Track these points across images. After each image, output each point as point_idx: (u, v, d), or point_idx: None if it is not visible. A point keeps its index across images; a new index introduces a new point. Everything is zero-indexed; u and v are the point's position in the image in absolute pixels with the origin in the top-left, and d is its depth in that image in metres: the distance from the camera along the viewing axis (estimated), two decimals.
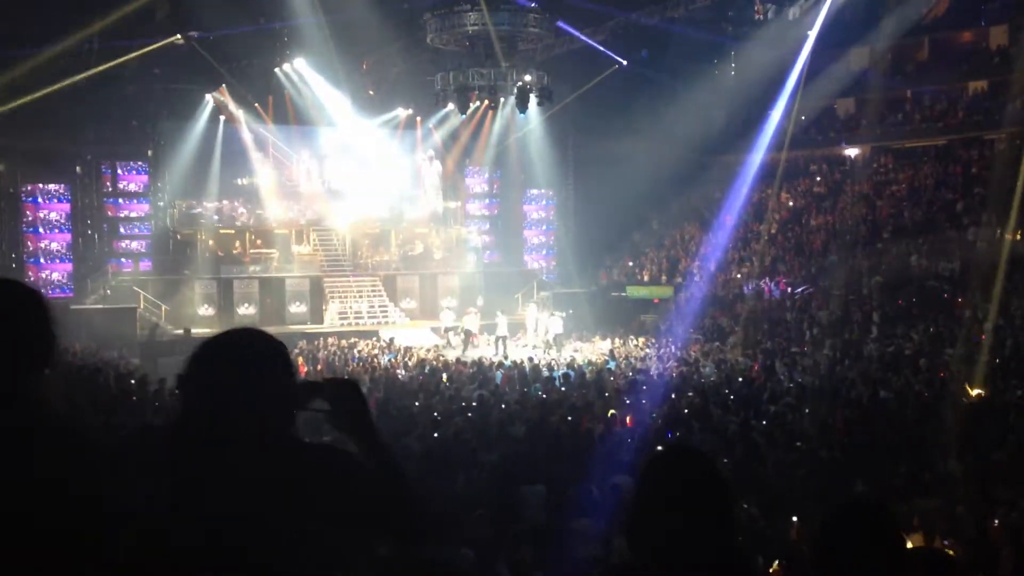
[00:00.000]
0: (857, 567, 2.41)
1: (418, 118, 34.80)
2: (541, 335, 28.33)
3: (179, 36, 27.87)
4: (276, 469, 2.25)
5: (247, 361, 2.33)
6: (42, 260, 30.86)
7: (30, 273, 29.98)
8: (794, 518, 7.87)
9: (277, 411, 2.31)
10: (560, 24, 30.28)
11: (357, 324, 29.77)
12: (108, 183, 32.32)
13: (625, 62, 33.06)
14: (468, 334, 27.82)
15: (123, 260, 32.27)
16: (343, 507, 2.31)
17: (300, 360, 22.90)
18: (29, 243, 30.81)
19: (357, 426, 2.40)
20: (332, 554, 2.37)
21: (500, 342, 26.80)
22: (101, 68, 27.60)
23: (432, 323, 30.81)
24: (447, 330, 29.19)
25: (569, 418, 13.13)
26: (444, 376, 19.15)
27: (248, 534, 2.20)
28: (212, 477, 2.22)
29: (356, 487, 2.32)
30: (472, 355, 24.79)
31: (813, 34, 33.79)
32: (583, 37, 31.21)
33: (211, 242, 31.40)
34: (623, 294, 34.39)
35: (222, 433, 2.25)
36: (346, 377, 3.18)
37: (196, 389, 2.31)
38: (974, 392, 15.74)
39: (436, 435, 11.72)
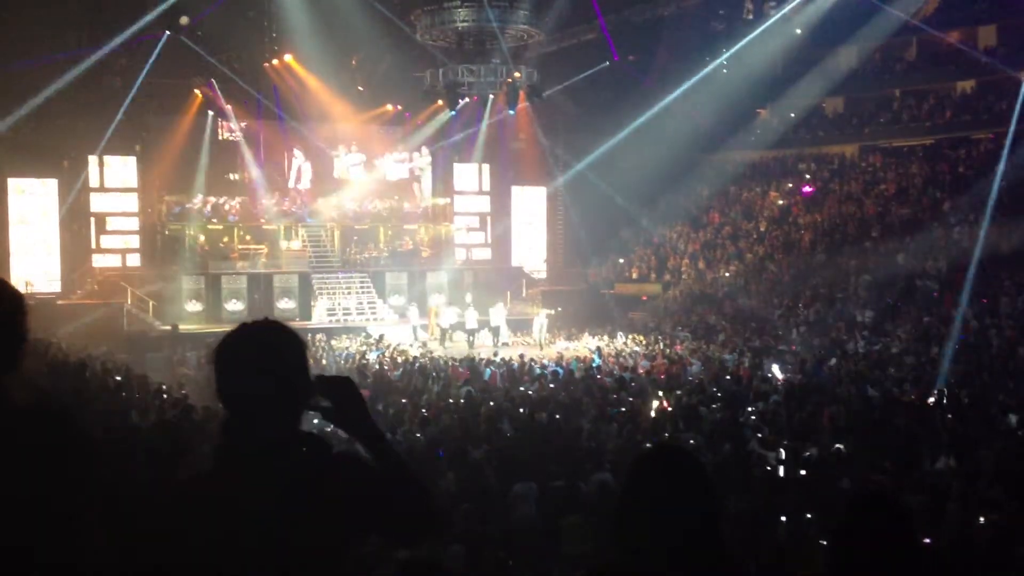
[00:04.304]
0: (873, 559, 2.45)
1: (407, 114, 34.73)
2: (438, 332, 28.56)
3: (168, 30, 27.75)
4: (293, 459, 2.30)
5: (278, 348, 2.36)
6: (28, 255, 30.64)
7: (15, 268, 29.80)
8: (782, 517, 7.88)
9: (296, 401, 2.35)
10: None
11: (346, 320, 29.72)
12: (96, 178, 32.08)
13: (617, 58, 33.07)
14: (444, 331, 28.11)
15: (110, 255, 32.05)
16: (358, 506, 2.33)
17: None
18: (15, 238, 30.58)
19: (358, 422, 2.41)
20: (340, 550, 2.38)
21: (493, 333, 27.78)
22: (90, 61, 27.49)
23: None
24: (419, 327, 29.03)
25: (557, 415, 13.15)
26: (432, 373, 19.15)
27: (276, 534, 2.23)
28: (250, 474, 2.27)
29: (368, 486, 2.35)
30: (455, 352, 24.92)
31: (802, 33, 33.95)
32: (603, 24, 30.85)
33: (200, 238, 31.27)
34: (612, 291, 34.49)
35: (252, 422, 2.31)
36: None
37: (227, 372, 2.34)
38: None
39: (418, 435, 11.71)
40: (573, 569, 7.19)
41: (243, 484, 2.26)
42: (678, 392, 15.88)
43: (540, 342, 27.78)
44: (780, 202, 36.39)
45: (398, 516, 2.37)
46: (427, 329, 29.12)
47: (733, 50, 37.19)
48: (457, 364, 20.94)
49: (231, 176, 32.78)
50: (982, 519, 7.61)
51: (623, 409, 14.12)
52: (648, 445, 10.22)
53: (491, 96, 30.98)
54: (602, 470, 9.57)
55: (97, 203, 31.66)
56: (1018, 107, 29.93)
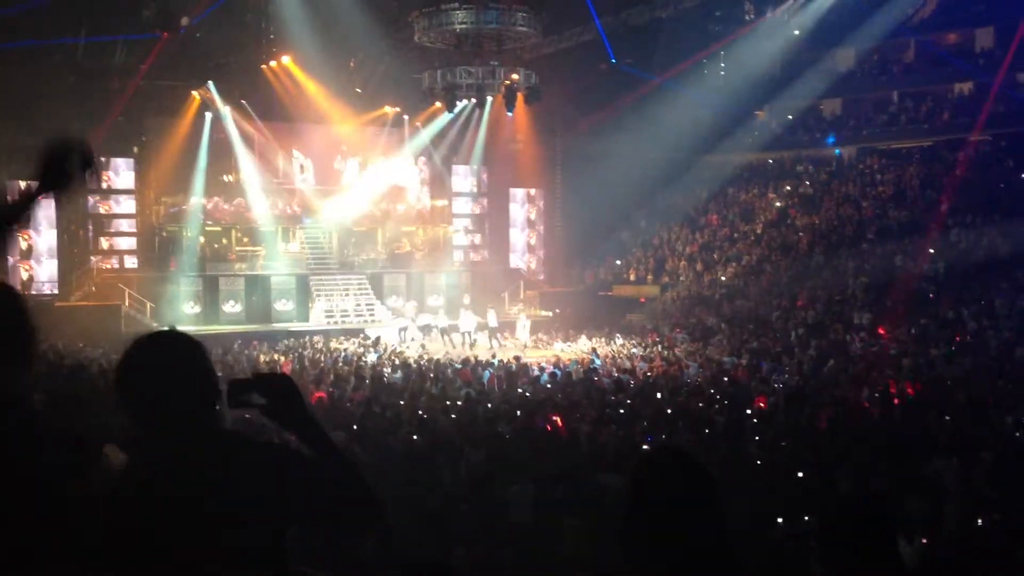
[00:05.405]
0: (855, 560, 2.47)
1: (405, 116, 34.73)
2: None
3: (165, 32, 27.70)
4: (208, 459, 2.37)
5: (167, 359, 2.53)
6: (28, 257, 30.59)
7: (20, 270, 29.78)
8: (779, 519, 7.88)
9: (197, 404, 2.45)
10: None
11: (343, 322, 29.70)
12: (93, 180, 31.99)
13: (614, 60, 33.05)
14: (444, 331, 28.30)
15: (109, 257, 32.02)
16: (279, 495, 2.37)
17: (284, 358, 22.83)
18: (12, 239, 30.54)
19: (293, 418, 2.47)
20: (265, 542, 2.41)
21: (492, 335, 27.95)
22: (87, 63, 27.42)
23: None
24: (402, 329, 28.98)
25: (555, 417, 13.13)
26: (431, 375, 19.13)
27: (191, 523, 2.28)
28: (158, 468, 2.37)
29: (289, 476, 2.40)
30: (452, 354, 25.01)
31: (800, 34, 33.96)
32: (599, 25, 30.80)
33: (198, 239, 31.24)
34: (610, 293, 34.49)
35: (155, 426, 2.43)
36: (282, 372, 3.26)
37: (124, 387, 2.51)
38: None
39: (416, 437, 11.68)
40: (573, 570, 7.19)
41: (160, 487, 2.32)
42: (676, 394, 15.88)
43: (525, 343, 27.97)
44: (778, 204, 36.40)
45: (334, 507, 2.44)
46: (418, 329, 29.10)
47: (731, 51, 37.25)
48: (459, 366, 20.94)
49: (225, 178, 32.72)
50: (980, 520, 7.62)
51: (622, 411, 14.10)
52: (649, 448, 10.23)
53: (489, 98, 30.94)
54: (602, 471, 9.56)
55: (96, 204, 31.65)
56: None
